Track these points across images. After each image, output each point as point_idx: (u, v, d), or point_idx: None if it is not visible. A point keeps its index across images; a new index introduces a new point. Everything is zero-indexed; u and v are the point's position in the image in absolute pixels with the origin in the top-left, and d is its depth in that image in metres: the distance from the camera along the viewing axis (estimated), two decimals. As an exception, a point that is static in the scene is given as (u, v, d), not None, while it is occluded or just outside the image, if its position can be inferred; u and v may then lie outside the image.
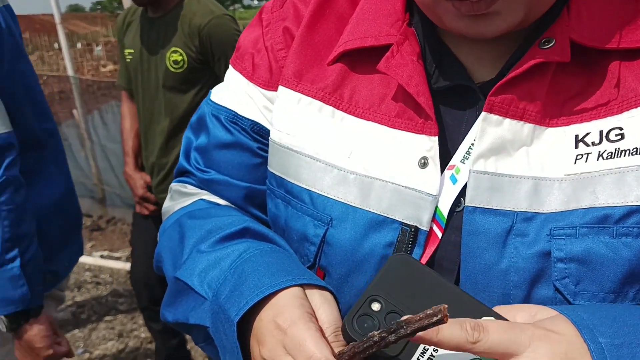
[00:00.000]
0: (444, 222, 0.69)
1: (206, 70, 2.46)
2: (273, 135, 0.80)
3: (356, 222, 0.71)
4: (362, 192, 0.72)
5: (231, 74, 0.88)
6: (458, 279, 0.68)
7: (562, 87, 0.68)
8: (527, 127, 0.67)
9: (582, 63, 0.68)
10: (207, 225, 0.79)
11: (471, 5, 0.63)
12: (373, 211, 0.71)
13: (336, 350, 0.61)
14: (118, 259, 4.64)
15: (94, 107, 7.30)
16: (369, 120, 0.74)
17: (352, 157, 0.73)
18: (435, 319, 0.53)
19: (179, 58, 2.42)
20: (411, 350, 0.60)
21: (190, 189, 0.91)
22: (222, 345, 0.70)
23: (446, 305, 0.53)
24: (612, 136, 0.66)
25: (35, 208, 1.44)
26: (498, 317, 0.60)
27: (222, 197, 0.88)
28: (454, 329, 0.55)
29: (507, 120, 0.67)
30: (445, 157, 0.70)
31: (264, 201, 0.85)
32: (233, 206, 0.87)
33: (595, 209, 0.65)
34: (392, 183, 0.71)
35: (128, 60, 2.60)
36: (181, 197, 0.91)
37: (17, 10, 1.53)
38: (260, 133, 0.84)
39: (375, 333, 0.57)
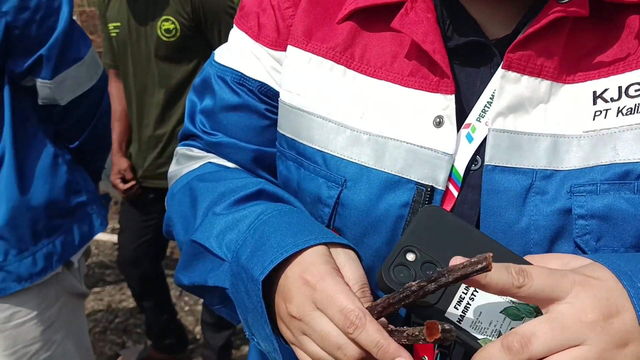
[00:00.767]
0: (460, 181, 0.69)
1: (199, 38, 2.42)
2: (283, 97, 0.78)
3: (371, 182, 0.71)
4: (376, 153, 0.71)
5: (236, 34, 0.85)
6: None
7: (579, 43, 0.67)
8: (544, 84, 0.67)
9: (599, 18, 0.67)
10: (219, 187, 0.77)
11: None
12: (388, 171, 0.70)
13: (365, 307, 0.61)
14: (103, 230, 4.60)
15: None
16: (381, 79, 0.72)
17: (364, 117, 0.72)
18: (479, 266, 0.53)
19: (171, 27, 2.38)
20: (447, 300, 0.60)
21: (196, 152, 0.89)
22: (242, 306, 0.69)
23: (491, 254, 0.54)
24: (631, 92, 0.65)
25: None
26: None
27: (230, 160, 0.86)
28: (501, 272, 0.55)
29: (525, 77, 0.66)
30: (459, 116, 0.69)
31: (273, 164, 0.84)
32: (242, 169, 0.86)
33: (616, 165, 0.64)
34: (407, 143, 0.70)
35: (113, 34, 2.52)
36: (188, 161, 0.89)
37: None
38: (267, 94, 0.82)
39: (413, 283, 0.57)
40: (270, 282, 0.66)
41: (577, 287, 0.55)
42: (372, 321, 0.59)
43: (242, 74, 0.83)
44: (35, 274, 1.46)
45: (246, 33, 0.83)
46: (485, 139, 0.68)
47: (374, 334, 0.58)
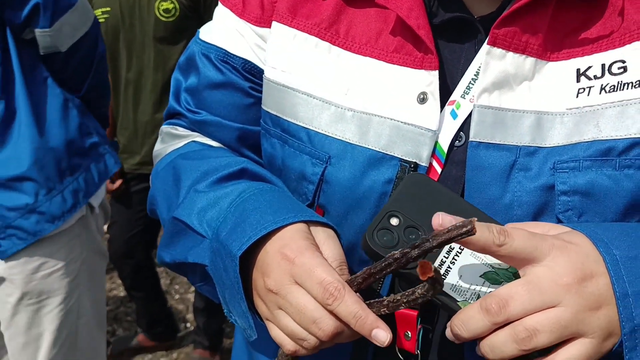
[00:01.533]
0: (444, 157, 0.69)
1: (195, 18, 2.41)
2: (267, 73, 0.78)
3: (355, 159, 0.70)
4: (361, 129, 0.71)
5: (220, 10, 0.85)
6: None
7: (564, 21, 0.67)
8: (529, 61, 0.67)
9: None
10: (202, 166, 0.77)
11: None
12: (372, 148, 0.70)
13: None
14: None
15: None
16: (365, 55, 0.72)
17: (349, 93, 0.72)
18: (464, 229, 0.55)
19: (170, 6, 2.36)
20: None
21: (181, 130, 0.88)
22: (220, 282, 0.69)
23: (476, 218, 0.55)
24: (614, 69, 0.66)
25: None
26: None
27: (214, 138, 0.86)
28: (483, 230, 0.57)
29: (510, 53, 0.66)
30: (443, 92, 0.69)
31: (257, 142, 0.84)
32: (226, 148, 0.86)
33: (598, 141, 0.65)
34: (391, 119, 0.70)
35: (102, 20, 2.49)
36: (172, 140, 0.89)
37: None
38: (252, 72, 0.81)
39: (396, 252, 0.57)
40: (248, 260, 0.66)
41: (555, 250, 0.57)
42: (351, 293, 0.59)
43: (226, 51, 0.82)
44: (66, 212, 1.54)
45: (230, 10, 0.82)
46: (469, 115, 0.68)
47: (352, 305, 0.58)
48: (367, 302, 0.60)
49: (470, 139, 0.67)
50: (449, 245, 0.62)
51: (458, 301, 0.61)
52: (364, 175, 0.70)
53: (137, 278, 2.78)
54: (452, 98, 0.69)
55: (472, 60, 0.69)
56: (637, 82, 0.65)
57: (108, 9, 2.48)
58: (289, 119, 0.75)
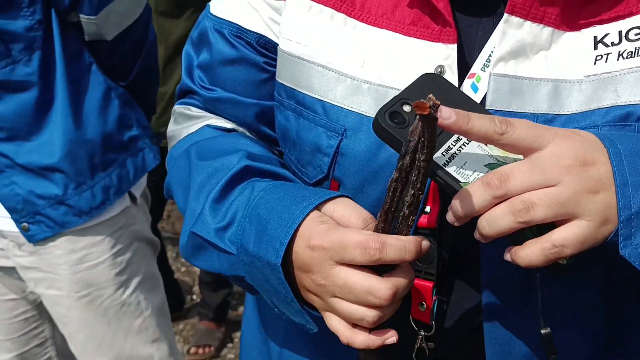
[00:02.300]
0: None
1: None
2: (282, 45, 0.77)
3: (371, 132, 0.70)
4: (377, 102, 0.70)
5: None
6: None
7: None
8: (546, 31, 0.67)
9: None
10: (210, 166, 0.77)
11: None
12: None
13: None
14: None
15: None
16: (382, 28, 0.72)
17: (365, 66, 0.72)
18: (428, 105, 0.53)
19: None
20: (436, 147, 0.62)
21: (194, 111, 0.88)
22: (264, 290, 0.70)
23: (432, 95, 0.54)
24: (631, 35, 0.66)
25: None
26: None
27: (229, 116, 0.85)
28: (484, 120, 0.58)
29: (528, 22, 0.66)
30: (461, 65, 0.69)
31: (273, 119, 0.83)
32: (240, 129, 0.85)
33: (617, 107, 0.65)
34: None
35: None
36: (186, 121, 0.88)
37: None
38: (266, 47, 0.81)
39: (393, 175, 0.59)
40: (283, 260, 0.66)
41: (559, 138, 0.58)
42: (387, 235, 0.61)
43: (239, 26, 0.81)
44: (94, 208, 1.48)
45: None
46: None
47: (395, 242, 0.60)
48: (392, 225, 0.62)
49: (486, 107, 0.67)
50: (456, 136, 0.63)
51: (461, 182, 0.61)
52: (380, 148, 0.70)
53: None
54: (472, 71, 0.69)
55: (491, 33, 0.69)
56: None
57: None
58: (304, 91, 0.75)
